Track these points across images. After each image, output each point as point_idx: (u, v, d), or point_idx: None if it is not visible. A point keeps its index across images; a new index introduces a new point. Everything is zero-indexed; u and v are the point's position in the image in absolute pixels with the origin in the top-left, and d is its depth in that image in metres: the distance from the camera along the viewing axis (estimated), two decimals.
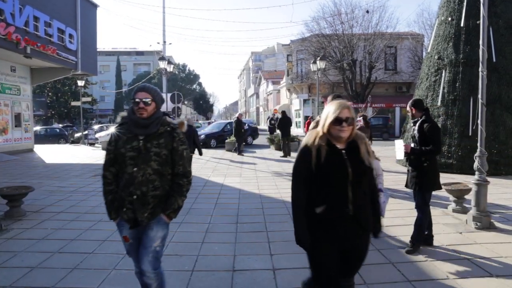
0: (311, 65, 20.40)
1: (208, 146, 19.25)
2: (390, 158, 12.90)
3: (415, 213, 6.04)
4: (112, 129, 2.77)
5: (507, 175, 9.17)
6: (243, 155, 15.34)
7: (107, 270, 3.98)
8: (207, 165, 12.33)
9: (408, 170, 4.58)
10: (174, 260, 4.23)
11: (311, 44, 30.80)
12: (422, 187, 4.34)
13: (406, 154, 4.44)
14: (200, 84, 70.92)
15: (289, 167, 11.68)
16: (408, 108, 4.66)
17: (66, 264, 4.11)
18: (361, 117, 8.62)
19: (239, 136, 15.68)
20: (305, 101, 35.42)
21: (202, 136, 19.66)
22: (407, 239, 4.83)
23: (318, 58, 18.54)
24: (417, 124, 4.45)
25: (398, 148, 4.55)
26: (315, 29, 31.15)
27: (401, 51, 32.02)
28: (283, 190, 8.08)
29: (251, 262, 4.18)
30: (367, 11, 29.73)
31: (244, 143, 15.63)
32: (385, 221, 5.57)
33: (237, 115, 18.15)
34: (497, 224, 5.35)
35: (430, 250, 4.44)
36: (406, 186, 4.61)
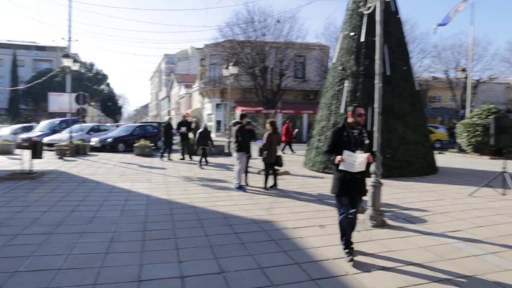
0: (223, 70, 20.54)
1: (116, 150, 18.24)
2: (297, 162, 13.52)
3: (320, 215, 6.41)
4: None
5: (398, 177, 10.16)
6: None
7: None
8: (114, 170, 11.66)
9: (342, 177, 4.30)
10: (73, 275, 3.90)
11: (225, 49, 31.12)
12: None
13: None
14: (108, 85, 67.07)
15: (200, 172, 11.58)
16: (359, 116, 4.34)
17: None
18: (270, 123, 8.95)
19: (168, 141, 14.94)
20: (217, 105, 35.55)
21: (110, 140, 18.60)
22: (311, 240, 5.08)
23: (231, 63, 18.73)
24: (363, 131, 4.37)
25: (355, 160, 4.15)
26: (229, 35, 31.56)
27: (310, 60, 33.90)
28: (193, 196, 7.97)
29: (159, 271, 4.03)
30: (278, 21, 30.97)
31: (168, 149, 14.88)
32: (290, 224, 5.83)
33: (167, 118, 17.33)
34: (389, 222, 5.89)
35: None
36: (348, 193, 4.35)
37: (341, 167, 4.19)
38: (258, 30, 31.08)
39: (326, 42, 34.64)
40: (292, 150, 18.24)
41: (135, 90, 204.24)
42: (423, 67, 36.95)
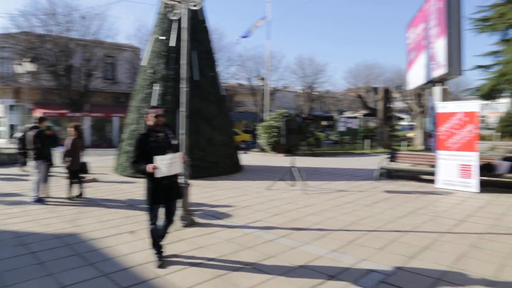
0: (16, 66, 17.71)
1: None
2: (106, 168, 12.80)
3: (130, 221, 6.25)
4: None
5: (208, 177, 10.78)
6: None
7: None
8: None
9: (157, 185, 4.19)
10: None
11: (18, 41, 26.81)
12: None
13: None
14: None
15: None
16: (156, 117, 4.25)
17: None
18: (73, 127, 8.22)
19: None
20: (11, 107, 30.34)
21: None
22: (121, 247, 4.91)
23: (29, 59, 16.31)
24: (168, 132, 4.33)
25: (170, 163, 4.07)
26: (24, 26, 27.34)
27: (120, 61, 32.45)
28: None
29: None
30: (83, 17, 28.61)
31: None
32: (97, 234, 5.51)
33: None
34: (199, 220, 6.21)
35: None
36: (165, 200, 4.32)
37: (157, 175, 4.02)
38: (61, 24, 27.97)
39: (138, 43, 33.88)
40: None
41: None
42: (230, 74, 40.25)
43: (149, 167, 4.01)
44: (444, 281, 3.87)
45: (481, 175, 8.69)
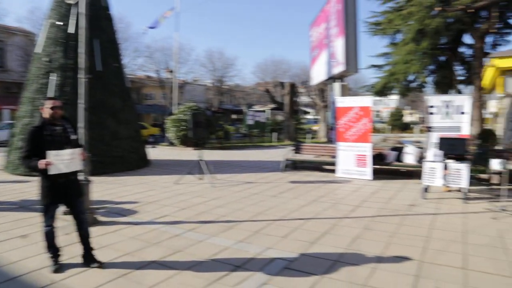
0: None
1: None
2: None
3: (22, 224, 5.68)
4: None
5: (113, 172, 10.24)
6: None
7: None
8: None
9: (53, 183, 3.84)
10: None
11: None
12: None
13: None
14: None
15: None
16: (52, 108, 3.88)
17: None
18: None
19: None
20: None
21: None
22: (12, 254, 4.44)
23: None
24: (67, 126, 3.97)
25: (66, 159, 3.76)
26: None
27: (11, 47, 29.01)
28: None
29: None
30: None
31: None
32: None
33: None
34: (102, 218, 5.86)
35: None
36: (61, 199, 3.98)
37: (51, 172, 3.69)
38: None
39: (31, 28, 30.59)
40: None
41: None
42: (137, 65, 38.54)
43: (41, 163, 3.65)
44: (341, 262, 4.19)
45: (374, 164, 9.59)
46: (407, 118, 51.76)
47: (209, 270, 4.00)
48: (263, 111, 30.04)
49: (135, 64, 37.74)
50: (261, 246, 4.69)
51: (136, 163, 11.49)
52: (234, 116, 52.99)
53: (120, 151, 10.89)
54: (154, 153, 15.96)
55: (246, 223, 5.77)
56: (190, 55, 59.75)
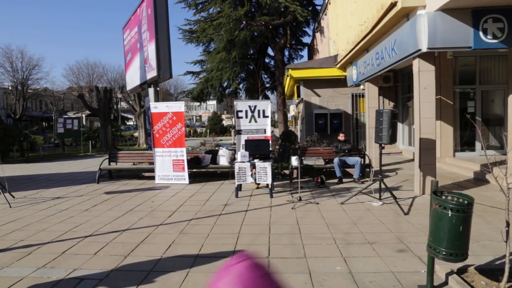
0: None
1: None
2: None
3: None
4: None
5: None
6: None
7: None
8: None
9: None
10: None
11: None
12: None
13: None
14: None
15: None
16: None
17: None
18: None
19: None
20: None
21: None
22: None
23: None
24: None
25: None
26: None
27: None
28: None
29: None
30: None
31: None
32: None
33: None
34: None
35: None
36: None
37: None
38: None
39: None
40: None
41: None
42: None
43: None
44: (155, 271, 4.08)
45: (190, 168, 9.80)
46: (226, 122, 55.31)
47: None
48: (77, 118, 27.34)
49: None
50: (67, 269, 4.19)
51: None
52: (46, 124, 46.64)
53: None
54: None
55: (51, 244, 5.08)
56: None
